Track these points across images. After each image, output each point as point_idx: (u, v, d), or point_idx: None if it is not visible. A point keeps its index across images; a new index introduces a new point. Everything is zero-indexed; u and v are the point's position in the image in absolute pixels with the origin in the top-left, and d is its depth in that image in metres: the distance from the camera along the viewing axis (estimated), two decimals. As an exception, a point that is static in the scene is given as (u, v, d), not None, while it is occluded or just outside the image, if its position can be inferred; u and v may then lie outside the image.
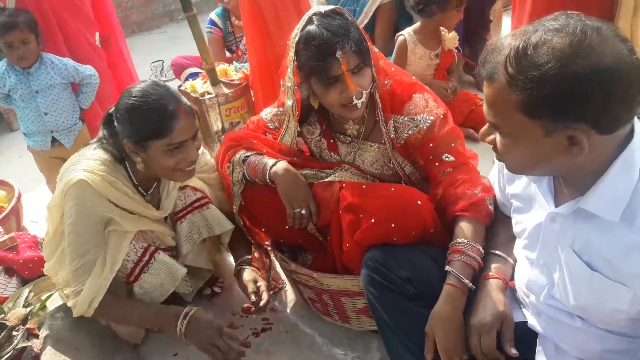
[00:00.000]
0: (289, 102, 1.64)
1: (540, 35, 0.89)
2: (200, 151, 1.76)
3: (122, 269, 1.61)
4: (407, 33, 2.79)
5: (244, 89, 2.83)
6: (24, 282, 2.12)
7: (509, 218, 1.33)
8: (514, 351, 1.16)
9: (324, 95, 1.51)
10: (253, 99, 2.90)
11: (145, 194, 1.68)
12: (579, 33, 0.87)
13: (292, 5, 2.66)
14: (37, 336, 1.69)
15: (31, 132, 2.62)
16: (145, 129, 1.50)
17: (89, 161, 1.58)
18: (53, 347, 1.64)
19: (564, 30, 0.88)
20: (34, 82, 2.51)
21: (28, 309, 1.76)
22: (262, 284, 1.68)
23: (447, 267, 1.32)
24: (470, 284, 1.28)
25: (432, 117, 1.55)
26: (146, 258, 1.65)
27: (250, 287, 1.65)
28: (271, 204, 1.67)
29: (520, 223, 1.23)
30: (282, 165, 1.63)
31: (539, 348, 1.19)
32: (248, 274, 1.71)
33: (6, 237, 2.20)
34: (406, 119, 1.58)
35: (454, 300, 1.27)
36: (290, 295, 1.96)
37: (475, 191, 1.42)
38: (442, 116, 1.56)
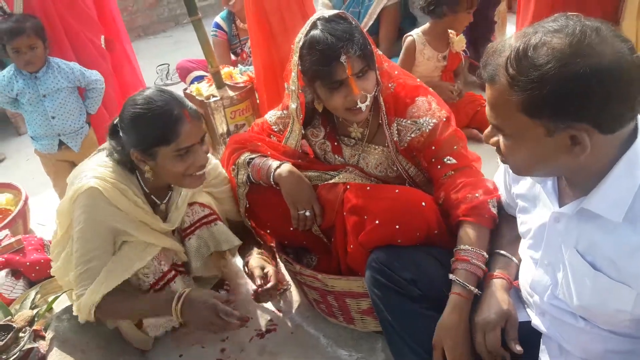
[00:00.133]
0: (293, 106, 1.65)
1: (540, 36, 0.90)
2: (211, 165, 1.76)
3: (139, 282, 1.62)
4: (415, 34, 2.78)
5: (249, 91, 2.84)
6: (30, 284, 2.14)
7: (514, 218, 1.33)
8: (518, 348, 1.16)
9: (328, 99, 1.52)
10: (258, 101, 2.91)
11: (160, 203, 1.67)
12: (578, 33, 0.87)
13: (297, 8, 2.67)
14: (43, 338, 1.70)
15: (38, 136, 2.65)
16: (151, 136, 1.48)
17: (101, 168, 1.57)
18: (59, 348, 1.66)
19: (564, 31, 0.89)
20: (41, 86, 2.53)
21: (35, 311, 1.77)
22: (269, 269, 1.67)
23: (451, 276, 1.32)
24: (476, 290, 1.29)
25: (434, 120, 1.55)
26: (162, 283, 1.65)
27: (257, 272, 1.65)
28: (276, 205, 1.67)
29: (525, 223, 1.23)
30: (287, 167, 1.63)
31: (542, 348, 1.19)
32: (255, 261, 1.70)
33: (13, 239, 2.22)
34: (409, 122, 1.58)
35: (460, 310, 1.27)
36: (295, 296, 1.96)
37: (477, 194, 1.42)
38: (444, 119, 1.56)
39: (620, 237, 0.97)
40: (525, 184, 1.23)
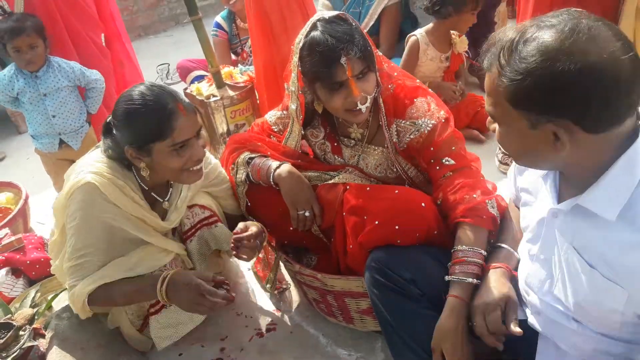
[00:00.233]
0: (293, 106, 1.65)
1: (535, 30, 0.92)
2: (211, 165, 1.75)
3: None
4: (419, 34, 2.78)
5: (249, 91, 2.85)
6: (30, 282, 2.14)
7: (519, 213, 1.34)
8: (518, 329, 1.16)
9: (329, 100, 1.52)
10: (258, 101, 2.92)
11: (162, 200, 1.65)
12: (568, 31, 0.89)
13: (297, 8, 2.67)
14: (43, 336, 1.71)
15: (39, 135, 2.65)
16: (145, 131, 1.45)
17: (99, 163, 1.55)
18: (59, 346, 1.67)
19: (557, 27, 0.90)
20: (41, 86, 2.54)
21: (35, 309, 1.78)
22: (254, 228, 1.61)
23: (447, 278, 1.33)
24: (476, 280, 1.29)
25: (433, 121, 1.55)
26: None
27: (238, 228, 1.61)
28: (275, 205, 1.68)
29: (526, 217, 1.24)
30: (286, 167, 1.64)
31: (539, 346, 1.19)
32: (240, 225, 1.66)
33: (13, 238, 2.23)
34: (408, 123, 1.58)
35: (457, 313, 1.27)
36: (294, 296, 1.97)
37: (474, 195, 1.42)
38: (443, 120, 1.56)
39: (612, 235, 0.97)
40: (529, 177, 1.24)
